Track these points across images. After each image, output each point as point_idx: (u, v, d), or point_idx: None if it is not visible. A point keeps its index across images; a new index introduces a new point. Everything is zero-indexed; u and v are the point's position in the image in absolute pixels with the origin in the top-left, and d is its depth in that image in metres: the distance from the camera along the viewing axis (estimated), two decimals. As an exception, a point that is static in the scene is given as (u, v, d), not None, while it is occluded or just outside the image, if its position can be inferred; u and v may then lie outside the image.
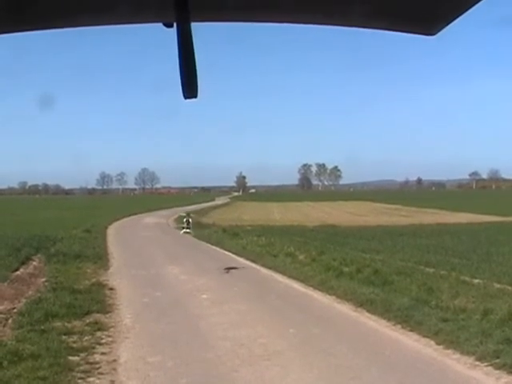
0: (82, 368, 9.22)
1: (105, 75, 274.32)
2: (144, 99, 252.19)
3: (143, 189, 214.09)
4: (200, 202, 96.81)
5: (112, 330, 11.75)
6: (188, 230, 31.86)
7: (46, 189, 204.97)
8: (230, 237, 32.86)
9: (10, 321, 12.25)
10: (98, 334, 11.37)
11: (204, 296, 15.26)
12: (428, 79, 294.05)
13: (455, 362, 9.39)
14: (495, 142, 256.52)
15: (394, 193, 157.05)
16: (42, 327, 11.45)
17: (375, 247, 26.55)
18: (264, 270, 20.34)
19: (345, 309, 13.74)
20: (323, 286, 16.33)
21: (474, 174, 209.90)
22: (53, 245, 27.17)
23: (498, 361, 9.09)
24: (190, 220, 32.76)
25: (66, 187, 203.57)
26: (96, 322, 12.20)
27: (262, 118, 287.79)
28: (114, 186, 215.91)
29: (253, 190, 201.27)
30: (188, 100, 1.41)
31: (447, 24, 1.44)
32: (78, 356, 9.84)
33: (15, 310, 13.16)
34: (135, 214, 65.21)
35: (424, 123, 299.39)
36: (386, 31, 1.48)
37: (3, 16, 1.37)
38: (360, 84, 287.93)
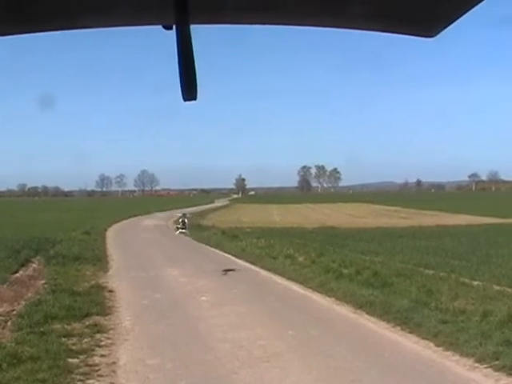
0: (81, 370, 9.21)
1: (105, 76, 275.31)
2: (144, 101, 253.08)
3: (143, 191, 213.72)
4: (199, 204, 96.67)
5: (111, 332, 11.74)
6: (183, 230, 31.94)
7: (45, 191, 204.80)
8: (230, 239, 32.84)
9: (9, 323, 12.23)
10: (98, 336, 11.35)
11: (203, 298, 15.25)
12: (427, 80, 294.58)
13: (454, 364, 9.39)
14: (495, 144, 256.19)
15: (393, 195, 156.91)
16: (42, 329, 11.42)
17: (374, 249, 26.53)
18: (263, 272, 20.33)
19: (344, 311, 13.73)
20: (322, 288, 16.32)
21: (474, 175, 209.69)
22: (52, 247, 27.17)
23: (497, 362, 9.09)
24: (186, 220, 32.88)
25: (66, 189, 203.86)
26: (95, 324, 12.19)
27: (261, 120, 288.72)
28: (114, 188, 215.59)
29: (252, 192, 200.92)
30: (187, 102, 1.41)
31: (446, 26, 1.44)
32: (78, 358, 9.83)
33: (14, 312, 13.15)
34: (135, 216, 65.10)
35: (423, 125, 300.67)
36: (385, 33, 1.49)
37: (4, 18, 1.37)
38: (359, 86, 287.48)
